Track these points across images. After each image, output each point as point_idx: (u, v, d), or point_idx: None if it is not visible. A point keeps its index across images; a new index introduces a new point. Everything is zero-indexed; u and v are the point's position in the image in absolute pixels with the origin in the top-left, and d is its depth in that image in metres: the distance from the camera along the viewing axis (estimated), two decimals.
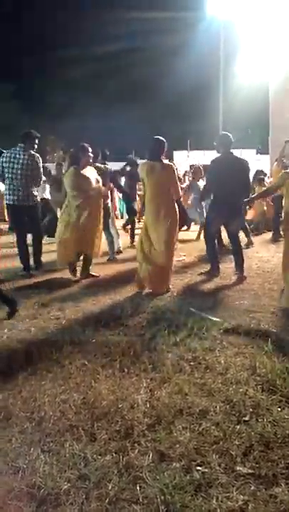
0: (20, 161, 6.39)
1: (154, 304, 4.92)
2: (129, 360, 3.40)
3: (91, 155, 6.26)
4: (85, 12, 39.25)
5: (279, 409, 2.69)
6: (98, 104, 37.88)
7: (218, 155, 6.36)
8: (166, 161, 5.57)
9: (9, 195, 6.49)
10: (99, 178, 6.34)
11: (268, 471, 2.14)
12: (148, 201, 5.48)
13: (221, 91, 26.21)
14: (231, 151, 6.35)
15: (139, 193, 9.77)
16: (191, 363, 3.35)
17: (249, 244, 8.76)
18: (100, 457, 2.27)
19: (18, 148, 6.47)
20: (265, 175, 13.18)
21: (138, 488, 2.05)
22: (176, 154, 26.59)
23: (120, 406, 2.74)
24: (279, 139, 15.85)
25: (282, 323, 4.27)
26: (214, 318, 4.36)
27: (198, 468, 2.17)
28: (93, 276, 6.36)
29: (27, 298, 5.26)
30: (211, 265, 6.44)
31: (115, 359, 3.43)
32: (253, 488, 2.04)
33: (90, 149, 6.22)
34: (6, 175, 6.42)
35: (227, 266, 6.68)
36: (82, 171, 6.09)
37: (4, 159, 6.42)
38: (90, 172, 6.23)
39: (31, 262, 6.76)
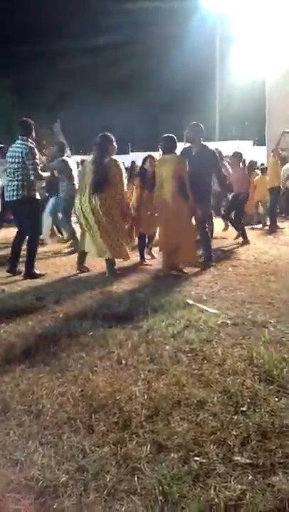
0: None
1: (151, 296, 4.92)
2: (127, 352, 3.40)
3: (116, 145, 6.10)
4: (80, 4, 38.98)
5: (276, 399, 2.70)
6: (94, 97, 37.73)
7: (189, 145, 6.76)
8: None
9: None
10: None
11: (265, 461, 2.15)
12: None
13: (217, 83, 26.13)
14: (202, 140, 6.63)
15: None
16: (189, 355, 3.35)
17: (238, 236, 8.73)
18: (98, 449, 2.27)
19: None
20: (262, 164, 13.14)
21: (136, 479, 2.05)
22: None
23: (118, 398, 2.74)
24: (275, 131, 15.81)
25: (279, 313, 4.27)
26: (211, 310, 4.36)
27: (196, 458, 2.18)
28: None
29: (23, 292, 5.25)
30: (204, 254, 6.44)
31: (113, 351, 3.43)
32: (250, 477, 2.05)
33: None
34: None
35: (223, 257, 6.69)
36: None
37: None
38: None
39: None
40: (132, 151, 22.20)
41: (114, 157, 5.91)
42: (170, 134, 6.21)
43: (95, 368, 3.15)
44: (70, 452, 2.25)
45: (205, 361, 3.23)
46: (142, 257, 6.98)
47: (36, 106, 35.62)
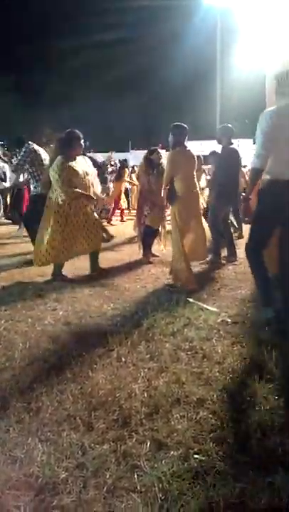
0: None
1: (151, 294, 4.92)
2: (127, 350, 3.40)
3: (82, 144, 5.79)
4: (80, 2, 38.86)
5: (276, 397, 2.70)
6: (94, 94, 37.66)
7: (223, 146, 6.81)
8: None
9: None
10: (89, 169, 5.84)
11: (265, 459, 2.15)
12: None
13: (218, 81, 26.05)
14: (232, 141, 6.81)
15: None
16: (188, 353, 3.35)
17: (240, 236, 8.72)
18: (97, 446, 2.28)
19: None
20: None
21: (136, 476, 2.06)
22: None
23: (118, 395, 2.74)
24: None
25: (278, 312, 4.26)
26: (211, 308, 4.36)
27: (196, 456, 2.18)
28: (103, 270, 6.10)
29: (23, 289, 5.25)
30: (213, 253, 6.54)
31: (112, 349, 3.43)
32: (250, 475, 2.05)
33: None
34: None
35: (222, 255, 6.68)
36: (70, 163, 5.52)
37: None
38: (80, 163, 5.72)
39: None
40: (132, 149, 22.20)
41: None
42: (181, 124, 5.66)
43: (95, 366, 3.15)
44: (70, 449, 2.25)
45: (205, 359, 3.23)
46: (148, 252, 6.95)
47: (36, 105, 35.59)
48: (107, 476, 2.06)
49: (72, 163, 5.48)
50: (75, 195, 5.45)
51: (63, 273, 5.80)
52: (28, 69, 37.54)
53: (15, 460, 2.19)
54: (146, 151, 7.25)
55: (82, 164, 5.66)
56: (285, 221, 3.72)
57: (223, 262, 6.50)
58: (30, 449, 2.26)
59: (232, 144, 6.84)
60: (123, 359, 3.25)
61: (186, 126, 5.52)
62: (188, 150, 5.50)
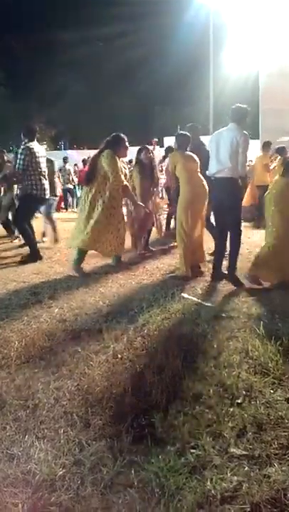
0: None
1: (146, 291, 4.92)
2: (123, 347, 3.41)
3: (128, 146, 5.93)
4: None
5: (272, 391, 2.71)
6: (87, 90, 37.52)
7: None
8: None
9: None
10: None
11: (261, 452, 2.17)
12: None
13: (211, 76, 26.04)
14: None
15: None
16: (184, 348, 3.36)
17: None
18: (94, 442, 2.28)
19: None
20: (251, 161, 13.02)
21: (133, 472, 2.06)
22: (167, 140, 26.45)
23: (114, 392, 2.75)
24: (268, 125, 15.82)
25: (273, 306, 4.29)
26: (207, 303, 4.37)
27: (193, 451, 2.19)
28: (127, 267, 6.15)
29: (19, 286, 5.24)
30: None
31: (108, 345, 3.43)
32: (246, 469, 2.07)
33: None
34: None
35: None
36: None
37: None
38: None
39: None
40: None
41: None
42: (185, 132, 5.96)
43: (91, 363, 3.15)
44: (67, 446, 2.26)
45: (200, 354, 3.24)
46: (143, 248, 6.99)
47: (26, 100, 35.42)
48: (105, 472, 2.07)
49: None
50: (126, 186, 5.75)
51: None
52: (17, 62, 37.29)
53: (12, 457, 2.19)
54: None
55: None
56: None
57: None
58: (27, 447, 2.26)
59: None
60: (119, 355, 3.26)
61: (189, 134, 5.78)
62: (189, 154, 5.65)
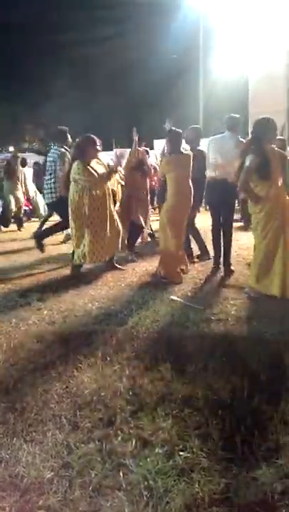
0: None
1: (135, 293, 4.93)
2: (112, 349, 3.41)
3: (99, 147, 5.84)
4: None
5: (260, 393, 2.73)
6: (76, 92, 37.42)
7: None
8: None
9: None
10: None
11: (249, 455, 2.18)
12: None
13: (200, 79, 26.14)
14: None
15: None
16: (173, 350, 3.36)
17: None
18: (83, 445, 2.28)
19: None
20: None
21: (121, 474, 2.07)
22: (157, 143, 26.53)
23: (103, 394, 2.75)
24: None
25: (261, 309, 4.31)
26: (195, 306, 4.39)
27: (181, 453, 2.20)
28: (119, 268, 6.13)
29: (7, 288, 5.22)
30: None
31: (97, 348, 3.43)
32: (234, 471, 2.08)
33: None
34: None
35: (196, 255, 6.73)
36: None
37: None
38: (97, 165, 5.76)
39: None
40: (115, 148, 22.10)
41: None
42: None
43: (80, 365, 3.15)
44: (55, 449, 2.25)
45: (189, 357, 3.25)
46: (132, 251, 6.97)
47: (15, 102, 35.20)
48: (93, 475, 2.07)
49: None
50: (99, 179, 5.55)
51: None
52: (6, 65, 37.06)
53: (0, 461, 2.18)
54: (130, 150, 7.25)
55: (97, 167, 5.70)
56: None
57: (196, 260, 6.48)
58: (15, 450, 2.26)
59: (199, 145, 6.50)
60: (108, 358, 3.26)
61: (181, 132, 5.65)
62: (185, 155, 5.54)
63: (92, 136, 5.70)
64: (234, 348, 3.37)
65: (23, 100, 36.27)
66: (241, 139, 5.58)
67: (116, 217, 5.89)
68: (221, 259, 5.83)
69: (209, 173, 5.81)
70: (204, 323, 3.94)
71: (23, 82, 36.73)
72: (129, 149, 7.39)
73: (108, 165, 5.88)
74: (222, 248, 5.81)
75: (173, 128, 5.64)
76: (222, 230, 5.80)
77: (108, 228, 5.65)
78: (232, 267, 5.76)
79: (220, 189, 5.61)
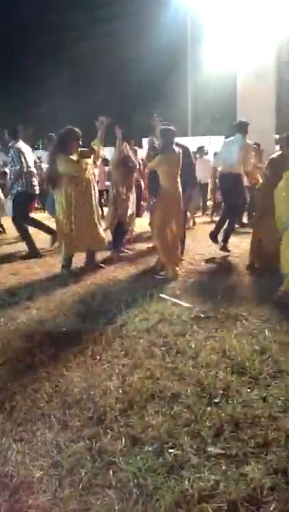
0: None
1: (125, 291, 4.92)
2: (101, 348, 3.40)
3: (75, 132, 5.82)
4: None
5: (248, 390, 2.75)
6: (64, 89, 37.26)
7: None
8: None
9: None
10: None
11: (238, 451, 2.19)
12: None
13: (189, 76, 26.16)
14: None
15: None
16: (163, 348, 3.37)
17: None
18: (72, 444, 2.28)
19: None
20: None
21: (111, 472, 2.07)
22: (146, 141, 26.50)
23: (92, 393, 2.74)
24: None
25: (251, 306, 4.33)
26: (185, 304, 4.40)
27: (171, 450, 2.20)
28: (100, 266, 6.14)
29: None
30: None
31: (87, 346, 3.42)
32: (223, 468, 2.09)
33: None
34: None
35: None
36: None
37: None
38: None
39: None
40: (105, 146, 22.03)
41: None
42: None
43: (69, 364, 3.14)
44: (45, 448, 2.25)
45: (179, 354, 3.26)
46: (119, 247, 6.96)
47: (4, 98, 34.95)
48: (83, 474, 2.06)
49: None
50: (80, 166, 5.66)
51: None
52: (5, 64, 36.85)
53: None
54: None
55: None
56: None
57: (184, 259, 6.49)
58: (4, 449, 2.25)
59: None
60: (97, 356, 3.26)
61: (174, 129, 5.66)
62: (176, 153, 5.55)
63: (74, 128, 5.76)
64: (223, 345, 3.37)
65: (12, 98, 36.01)
66: (247, 141, 6.82)
67: (99, 211, 6.01)
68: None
69: (220, 169, 7.27)
70: (193, 320, 3.95)
71: (11, 80, 36.48)
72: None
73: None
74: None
75: (165, 126, 5.65)
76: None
77: (89, 221, 5.75)
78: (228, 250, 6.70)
79: (227, 180, 6.90)
